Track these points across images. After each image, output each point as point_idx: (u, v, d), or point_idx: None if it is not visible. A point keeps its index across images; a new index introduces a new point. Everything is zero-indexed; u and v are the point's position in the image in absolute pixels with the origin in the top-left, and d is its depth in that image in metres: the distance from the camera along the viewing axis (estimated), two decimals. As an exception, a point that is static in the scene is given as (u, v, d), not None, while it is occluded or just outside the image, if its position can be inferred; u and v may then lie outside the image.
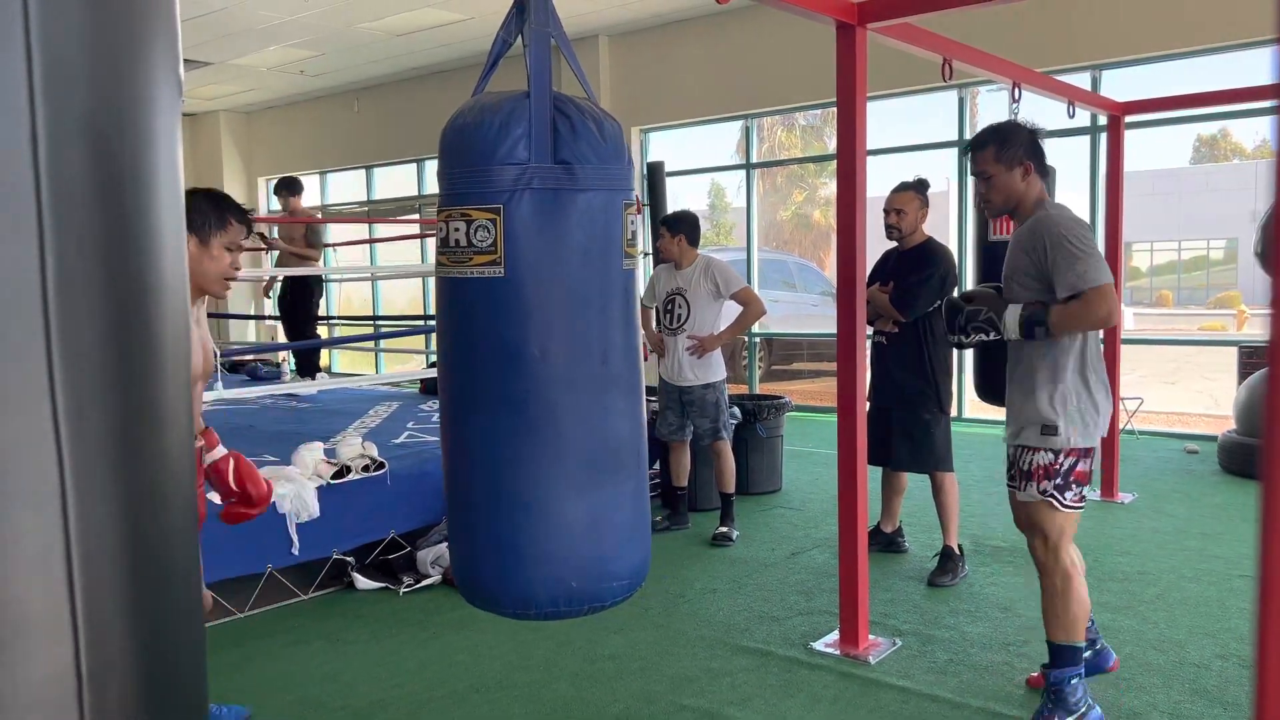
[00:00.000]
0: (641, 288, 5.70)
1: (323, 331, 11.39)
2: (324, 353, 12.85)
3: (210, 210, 2.45)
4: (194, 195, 2.40)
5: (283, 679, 3.36)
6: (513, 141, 1.80)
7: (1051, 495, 2.77)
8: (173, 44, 0.74)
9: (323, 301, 8.28)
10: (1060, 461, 2.76)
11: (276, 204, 13.76)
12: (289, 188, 7.83)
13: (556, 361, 1.81)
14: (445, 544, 4.35)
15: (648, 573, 2.00)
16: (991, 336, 2.78)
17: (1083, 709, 2.82)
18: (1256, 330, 12.01)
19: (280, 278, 7.86)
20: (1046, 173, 2.90)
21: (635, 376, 1.94)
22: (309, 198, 13.63)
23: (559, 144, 1.82)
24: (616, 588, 1.89)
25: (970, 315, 2.82)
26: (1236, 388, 6.56)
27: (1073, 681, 2.81)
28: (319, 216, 8.62)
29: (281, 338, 8.41)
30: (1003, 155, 2.82)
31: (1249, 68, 7.20)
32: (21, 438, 0.62)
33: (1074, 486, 2.78)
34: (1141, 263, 23.04)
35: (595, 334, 1.85)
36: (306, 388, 6.89)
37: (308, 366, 7.87)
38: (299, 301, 7.72)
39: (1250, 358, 6.81)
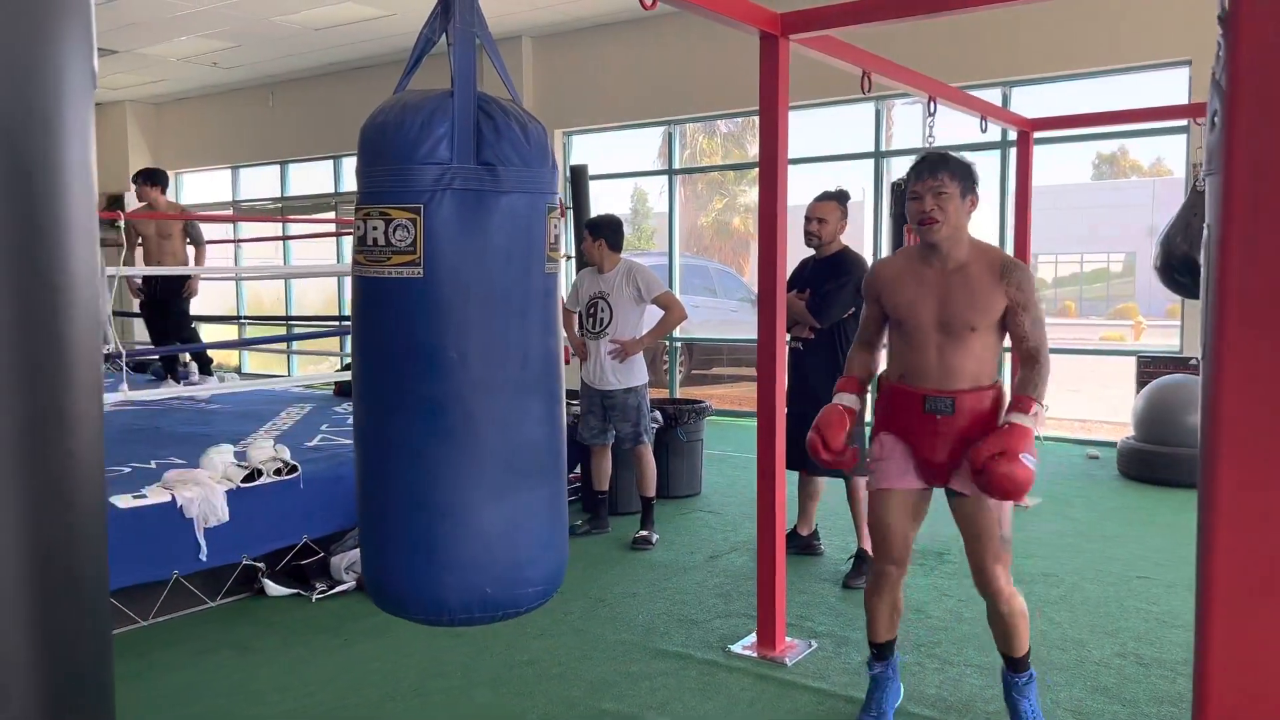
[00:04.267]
0: (564, 291, 5.66)
1: (231, 332, 11.05)
2: (234, 353, 12.50)
3: None
4: None
5: (188, 690, 3.25)
6: (435, 140, 1.78)
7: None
8: (86, 34, 0.71)
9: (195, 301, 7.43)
10: None
11: (187, 197, 13.36)
12: (149, 179, 7.08)
13: (475, 365, 1.79)
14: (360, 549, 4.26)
15: (563, 579, 1.99)
16: None
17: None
18: (1153, 341, 12.52)
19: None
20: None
21: (555, 381, 1.92)
22: (219, 192, 13.25)
23: (482, 145, 1.80)
24: (532, 594, 1.87)
25: None
26: (1134, 396, 6.83)
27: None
28: (190, 212, 7.63)
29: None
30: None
31: (1146, 89, 7.52)
32: (-82, 443, 0.59)
33: None
34: (1047, 274, 23.82)
35: (515, 338, 1.83)
36: (213, 389, 6.67)
37: (201, 366, 7.46)
38: (170, 301, 7.08)
39: (1147, 367, 7.10)
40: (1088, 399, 10.96)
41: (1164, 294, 6.44)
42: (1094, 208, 21.77)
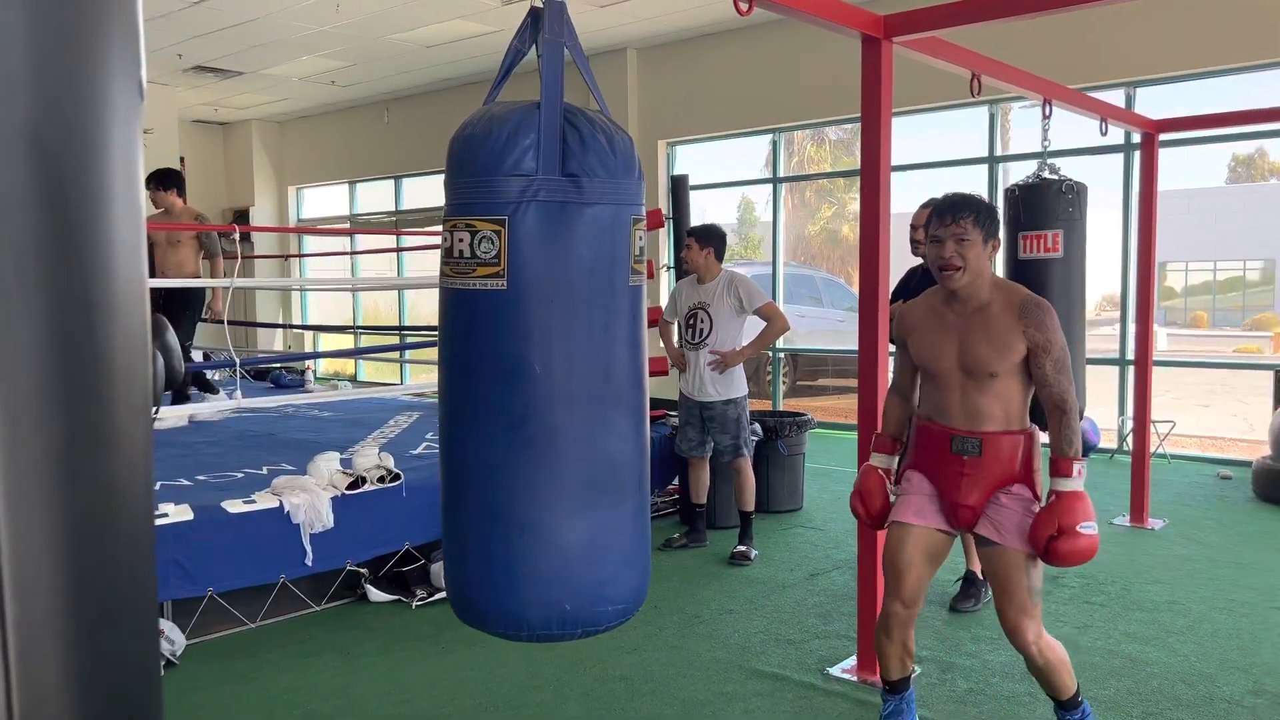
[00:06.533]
0: (664, 302, 5.61)
1: (347, 341, 11.41)
2: (348, 361, 12.89)
3: None
4: None
5: (292, 692, 3.33)
6: (520, 152, 1.77)
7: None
8: (132, 45, 0.70)
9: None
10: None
11: (307, 212, 13.89)
12: (161, 182, 6.38)
13: (558, 378, 1.77)
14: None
15: (645, 598, 1.95)
16: None
17: None
18: (1294, 353, 11.76)
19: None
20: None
21: (639, 396, 1.89)
22: (337, 206, 13.72)
23: (568, 156, 1.78)
24: (611, 612, 1.84)
25: None
26: (1272, 412, 6.40)
27: None
28: (208, 219, 6.63)
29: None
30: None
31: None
32: (-53, 463, 0.58)
33: None
34: (1176, 283, 22.69)
35: (599, 350, 1.81)
36: (321, 398, 6.87)
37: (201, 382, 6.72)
38: (172, 312, 5.80)
39: (1287, 382, 6.64)
40: (1219, 415, 10.36)
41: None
42: (1228, 212, 20.66)
